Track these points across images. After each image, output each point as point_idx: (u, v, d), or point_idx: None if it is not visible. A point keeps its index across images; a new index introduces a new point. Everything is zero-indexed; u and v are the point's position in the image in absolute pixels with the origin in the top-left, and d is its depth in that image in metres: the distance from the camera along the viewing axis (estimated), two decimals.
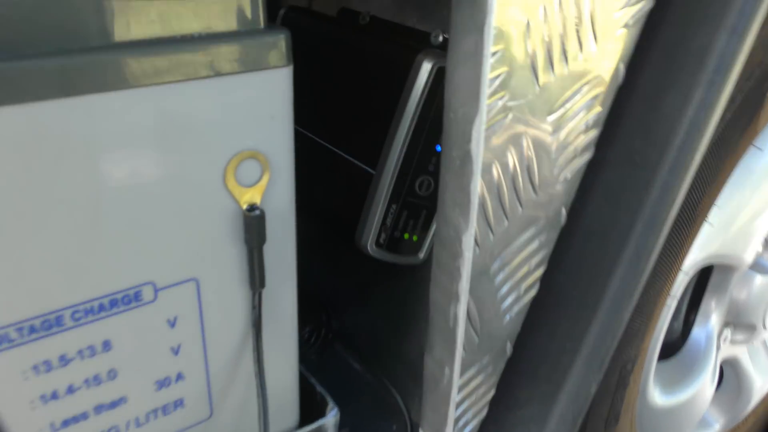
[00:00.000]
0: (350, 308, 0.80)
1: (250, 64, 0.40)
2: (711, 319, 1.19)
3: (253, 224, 0.44)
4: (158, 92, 0.38)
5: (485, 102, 0.39)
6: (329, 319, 0.79)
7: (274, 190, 0.45)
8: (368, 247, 0.65)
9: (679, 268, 0.94)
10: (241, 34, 0.40)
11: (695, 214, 0.88)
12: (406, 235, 0.66)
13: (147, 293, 0.44)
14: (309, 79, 0.76)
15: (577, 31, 0.49)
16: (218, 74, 0.39)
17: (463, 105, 0.40)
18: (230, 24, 0.40)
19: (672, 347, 1.19)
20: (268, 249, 0.46)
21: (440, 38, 0.66)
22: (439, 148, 0.64)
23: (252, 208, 0.44)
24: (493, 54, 0.45)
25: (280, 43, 0.41)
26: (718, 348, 1.20)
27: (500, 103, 0.47)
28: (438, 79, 0.61)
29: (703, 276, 1.13)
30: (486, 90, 0.39)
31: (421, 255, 0.68)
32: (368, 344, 0.78)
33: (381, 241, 0.65)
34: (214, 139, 0.41)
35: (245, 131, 0.42)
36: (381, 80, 0.66)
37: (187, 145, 0.40)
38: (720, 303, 1.17)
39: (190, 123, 0.39)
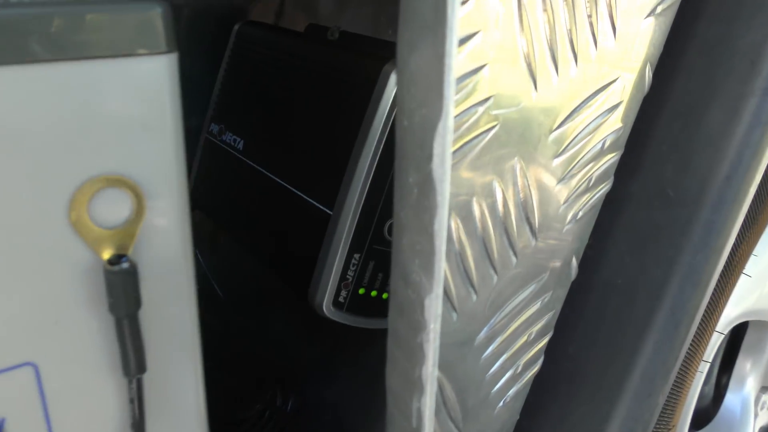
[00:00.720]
0: (311, 381, 0.66)
1: (105, 47, 0.27)
2: (746, 384, 1.09)
3: (118, 283, 0.30)
4: None
5: (452, 98, 0.26)
6: (286, 396, 0.65)
7: (154, 232, 0.31)
8: (323, 308, 0.51)
9: (713, 328, 0.81)
10: (89, 1, 0.27)
11: (732, 264, 0.75)
12: (374, 293, 0.52)
13: None
14: (258, 101, 0.64)
15: (590, 18, 0.36)
16: (52, 59, 0.26)
17: (422, 105, 0.27)
18: None
19: (703, 415, 1.07)
20: (148, 317, 0.32)
21: None
22: None
23: (117, 259, 0.30)
24: (468, 38, 0.32)
25: (152, 17, 0.28)
26: (756, 416, 1.08)
27: (480, 109, 0.33)
28: None
29: (735, 333, 1.02)
30: (453, 78, 0.25)
31: None
32: (333, 427, 0.63)
33: (340, 299, 0.51)
34: (47, 154, 0.27)
35: (101, 146, 0.28)
36: (341, 98, 0.53)
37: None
38: (756, 365, 1.07)
39: (3, 128, 0.26)
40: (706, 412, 1.08)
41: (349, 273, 0.51)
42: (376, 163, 0.48)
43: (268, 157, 0.59)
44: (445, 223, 0.28)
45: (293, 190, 0.55)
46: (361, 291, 0.52)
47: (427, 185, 0.28)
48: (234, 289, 0.70)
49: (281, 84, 0.61)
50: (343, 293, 0.51)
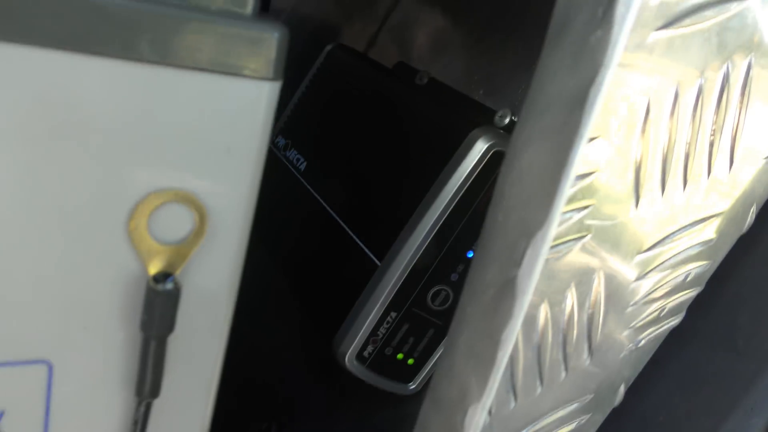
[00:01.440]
0: (310, 423, 0.63)
1: (212, 61, 0.25)
2: None
3: (158, 302, 0.28)
4: (35, 59, 0.23)
5: (560, 209, 0.23)
6: (280, 429, 0.62)
7: (208, 257, 0.29)
8: (346, 359, 0.48)
9: None
10: (208, 11, 0.26)
11: None
12: (400, 355, 0.50)
13: None
14: (332, 127, 0.62)
15: (711, 145, 0.33)
16: (156, 61, 0.25)
17: (524, 205, 0.25)
18: None
19: None
20: (175, 342, 0.30)
21: (507, 120, 0.51)
22: (471, 254, 0.48)
23: (163, 277, 0.28)
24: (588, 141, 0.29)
25: (268, 40, 0.26)
26: None
27: (577, 216, 0.31)
28: (492, 165, 0.46)
29: None
30: (567, 190, 0.23)
31: (413, 386, 0.51)
32: None
33: (365, 354, 0.49)
34: (124, 155, 0.26)
35: (179, 159, 0.26)
36: (419, 149, 0.51)
37: (68, 152, 0.25)
38: None
39: (83, 118, 0.24)
40: None
41: (381, 330, 0.48)
42: (439, 225, 0.46)
43: (327, 187, 0.57)
44: (515, 335, 0.26)
45: (346, 228, 0.52)
46: (388, 351, 0.49)
47: (507, 291, 0.25)
48: (251, 306, 0.67)
49: (360, 117, 0.59)
50: (369, 348, 0.48)
